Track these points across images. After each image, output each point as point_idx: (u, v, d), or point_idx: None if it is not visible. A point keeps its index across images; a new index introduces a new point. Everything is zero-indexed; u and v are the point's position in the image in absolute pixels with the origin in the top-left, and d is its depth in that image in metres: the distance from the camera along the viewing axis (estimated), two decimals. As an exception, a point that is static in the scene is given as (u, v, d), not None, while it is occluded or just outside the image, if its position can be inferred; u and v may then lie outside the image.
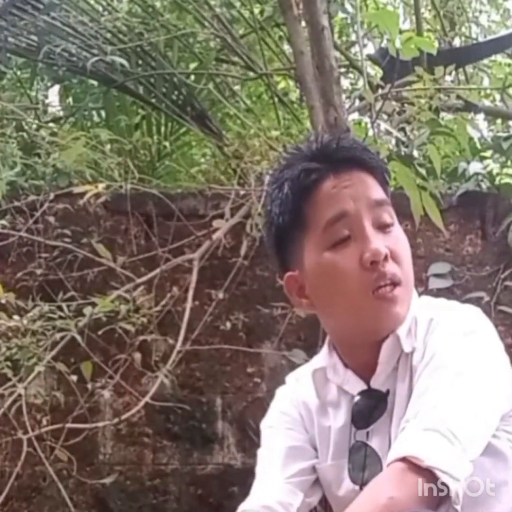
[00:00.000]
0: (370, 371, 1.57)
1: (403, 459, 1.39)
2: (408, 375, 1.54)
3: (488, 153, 4.19)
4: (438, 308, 1.60)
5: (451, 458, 1.39)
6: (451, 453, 1.40)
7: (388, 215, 1.56)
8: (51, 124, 4.96)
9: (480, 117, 5.23)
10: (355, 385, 1.59)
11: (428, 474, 1.37)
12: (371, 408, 1.57)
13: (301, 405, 1.67)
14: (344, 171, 1.55)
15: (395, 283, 1.52)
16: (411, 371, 1.53)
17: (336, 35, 5.37)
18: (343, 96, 3.93)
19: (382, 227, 1.55)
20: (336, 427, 1.62)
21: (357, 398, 1.59)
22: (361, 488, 1.56)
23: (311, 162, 1.56)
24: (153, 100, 4.72)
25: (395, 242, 1.55)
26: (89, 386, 3.48)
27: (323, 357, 1.66)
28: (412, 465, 1.38)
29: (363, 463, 1.57)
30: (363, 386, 1.58)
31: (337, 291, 1.54)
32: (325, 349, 1.66)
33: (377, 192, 1.57)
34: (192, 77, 4.90)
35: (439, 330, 1.53)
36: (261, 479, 1.65)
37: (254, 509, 1.58)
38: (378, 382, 1.57)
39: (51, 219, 3.85)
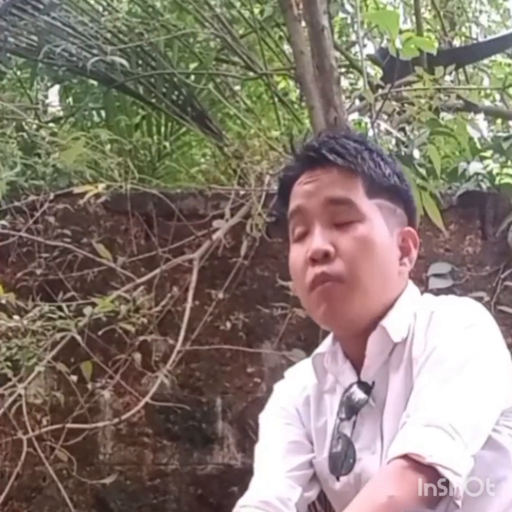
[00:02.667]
0: (363, 363, 1.58)
1: (404, 457, 1.39)
2: (404, 367, 1.54)
3: (488, 153, 4.19)
4: (439, 302, 1.60)
5: (453, 454, 1.39)
6: (453, 448, 1.40)
7: (346, 214, 1.56)
8: (51, 124, 4.95)
9: (480, 117, 5.23)
10: (348, 377, 1.60)
11: (430, 471, 1.38)
12: (355, 400, 1.57)
13: (298, 400, 1.68)
14: (318, 169, 1.59)
15: (333, 280, 1.53)
16: (410, 363, 1.54)
17: (336, 35, 5.37)
18: (343, 96, 3.93)
19: (338, 225, 1.56)
20: (332, 420, 1.62)
21: (347, 390, 1.60)
22: (338, 479, 1.57)
23: (293, 161, 1.64)
24: (153, 100, 4.71)
25: (349, 240, 1.55)
26: (89, 386, 3.48)
27: (326, 343, 1.67)
28: (414, 463, 1.38)
29: (343, 454, 1.57)
30: (355, 379, 1.59)
31: (296, 285, 1.62)
32: (329, 337, 1.67)
33: (335, 190, 1.57)
34: (192, 77, 4.89)
35: (440, 323, 1.53)
36: (259, 473, 1.65)
37: (253, 505, 1.57)
38: (367, 375, 1.58)
39: (51, 219, 3.84)
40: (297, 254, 1.58)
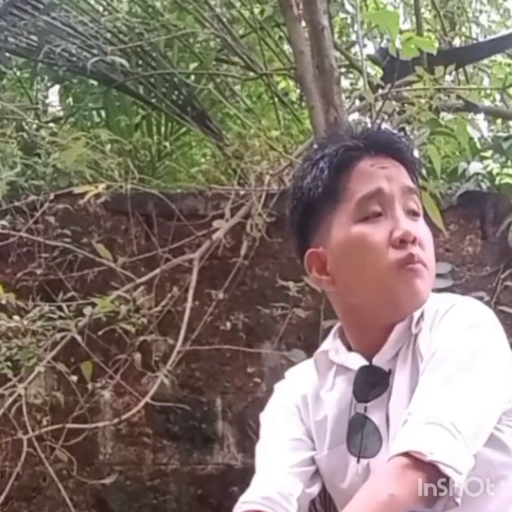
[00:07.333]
0: (375, 352, 1.59)
1: (405, 454, 1.39)
2: (411, 361, 1.55)
3: (488, 153, 4.19)
4: (443, 301, 1.60)
5: (454, 452, 1.39)
6: (454, 446, 1.40)
7: (416, 205, 1.63)
8: (51, 124, 4.96)
9: (480, 117, 5.22)
10: (357, 362, 1.61)
11: (431, 469, 1.38)
12: (372, 383, 1.58)
13: (298, 398, 1.69)
14: (381, 155, 1.61)
15: (422, 264, 1.57)
16: (416, 358, 1.54)
17: (336, 35, 5.36)
18: (343, 96, 3.93)
19: (410, 214, 1.62)
20: (333, 414, 1.62)
21: (358, 372, 1.60)
22: (358, 460, 1.57)
23: (351, 141, 1.62)
24: (153, 100, 4.72)
25: (421, 229, 1.62)
26: (89, 386, 3.48)
27: (326, 343, 1.67)
28: (415, 460, 1.38)
29: (361, 434, 1.57)
30: (365, 363, 1.60)
31: (365, 263, 1.57)
32: (329, 336, 1.68)
33: (408, 180, 1.63)
34: (192, 77, 4.90)
35: (444, 322, 1.54)
36: (261, 471, 1.65)
37: (254, 500, 1.58)
38: (381, 360, 1.58)
39: (51, 219, 3.84)
40: (374, 230, 1.57)
